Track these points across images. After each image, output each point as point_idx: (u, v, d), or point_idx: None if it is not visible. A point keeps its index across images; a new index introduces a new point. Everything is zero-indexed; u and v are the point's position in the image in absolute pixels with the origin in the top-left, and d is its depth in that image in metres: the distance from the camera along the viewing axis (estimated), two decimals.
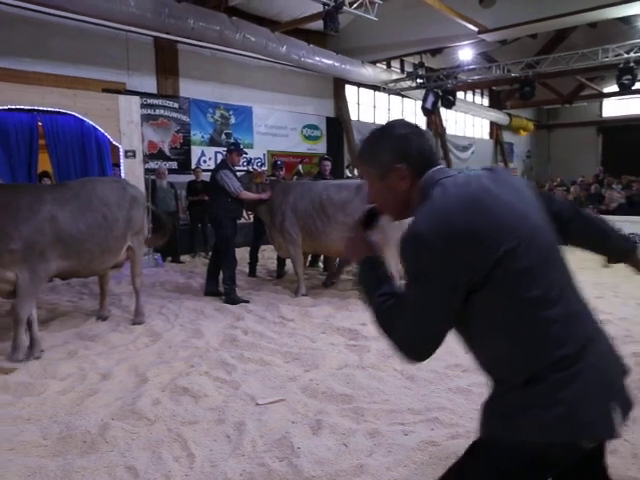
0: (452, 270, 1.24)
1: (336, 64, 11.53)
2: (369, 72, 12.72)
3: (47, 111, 7.64)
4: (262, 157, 11.85)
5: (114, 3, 7.65)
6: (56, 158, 7.78)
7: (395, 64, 15.50)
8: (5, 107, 7.20)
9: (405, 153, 1.42)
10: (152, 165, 9.47)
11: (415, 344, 1.34)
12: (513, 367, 1.28)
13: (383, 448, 2.80)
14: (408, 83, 14.10)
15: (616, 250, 1.77)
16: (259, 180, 6.29)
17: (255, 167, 10.32)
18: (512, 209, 1.31)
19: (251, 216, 7.04)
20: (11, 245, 3.96)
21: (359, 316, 5.16)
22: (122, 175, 8.20)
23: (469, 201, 1.29)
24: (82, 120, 7.95)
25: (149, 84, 10.17)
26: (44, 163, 7.85)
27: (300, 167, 10.69)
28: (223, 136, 11.21)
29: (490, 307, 1.28)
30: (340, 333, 4.71)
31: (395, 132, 1.45)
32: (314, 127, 13.30)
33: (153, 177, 9.02)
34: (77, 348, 4.35)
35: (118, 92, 8.96)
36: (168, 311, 5.48)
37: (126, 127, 8.41)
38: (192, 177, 9.77)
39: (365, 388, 3.53)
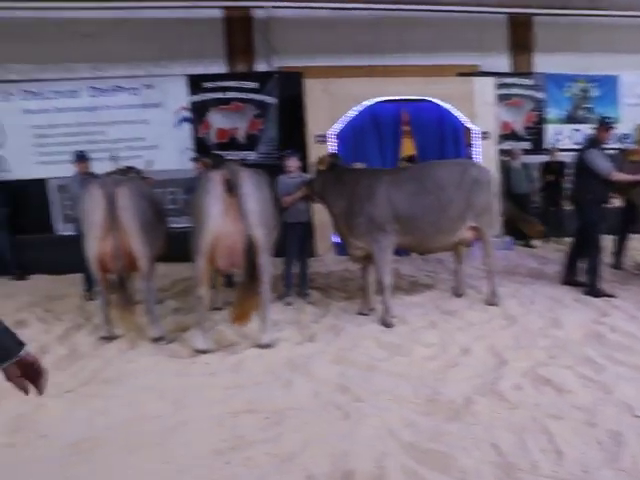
0: None
1: None
2: None
3: (409, 99, 8.34)
4: (632, 132, 10.27)
5: None
6: (419, 142, 8.46)
7: None
8: (377, 99, 8.19)
9: None
10: (505, 146, 9.32)
11: None
12: None
13: None
14: None
15: None
16: (635, 158, 5.45)
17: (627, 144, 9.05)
18: None
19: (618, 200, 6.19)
20: (358, 219, 4.65)
21: None
22: (475, 156, 8.37)
23: None
24: (439, 105, 8.40)
25: (502, 63, 10.00)
26: (409, 148, 8.60)
27: None
28: (582, 111, 10.17)
29: None
30: None
31: None
32: None
33: (506, 158, 8.90)
34: (437, 320, 4.67)
35: (472, 75, 9.08)
36: (522, 296, 5.35)
37: (480, 109, 8.51)
38: (547, 157, 9.26)
39: None
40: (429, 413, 3.04)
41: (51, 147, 8.36)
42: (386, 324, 4.58)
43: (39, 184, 8.40)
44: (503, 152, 8.99)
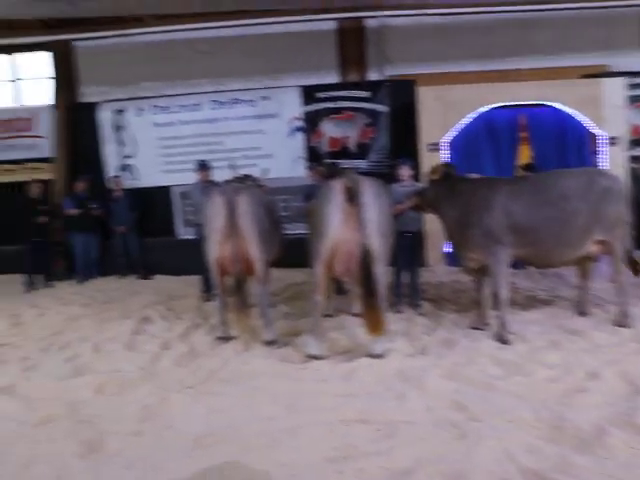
0: None
1: None
2: None
3: (528, 104, 7.91)
4: None
5: None
6: (537, 150, 7.99)
7: None
8: (493, 105, 7.87)
9: None
10: (636, 152, 8.50)
11: None
12: None
13: None
14: None
15: None
16: None
17: None
18: None
19: None
20: (473, 230, 4.50)
21: None
22: (601, 164, 7.74)
23: None
24: (560, 110, 7.88)
25: (635, 62, 9.16)
26: (526, 155, 8.13)
27: None
28: None
29: None
30: None
31: None
32: None
33: (637, 165, 8.13)
34: (560, 339, 4.33)
35: (599, 76, 8.42)
36: None
37: (609, 112, 7.86)
38: None
39: None
40: (554, 440, 2.81)
41: (175, 157, 9.01)
42: (502, 340, 4.33)
43: (164, 191, 9.09)
44: (634, 159, 8.22)
